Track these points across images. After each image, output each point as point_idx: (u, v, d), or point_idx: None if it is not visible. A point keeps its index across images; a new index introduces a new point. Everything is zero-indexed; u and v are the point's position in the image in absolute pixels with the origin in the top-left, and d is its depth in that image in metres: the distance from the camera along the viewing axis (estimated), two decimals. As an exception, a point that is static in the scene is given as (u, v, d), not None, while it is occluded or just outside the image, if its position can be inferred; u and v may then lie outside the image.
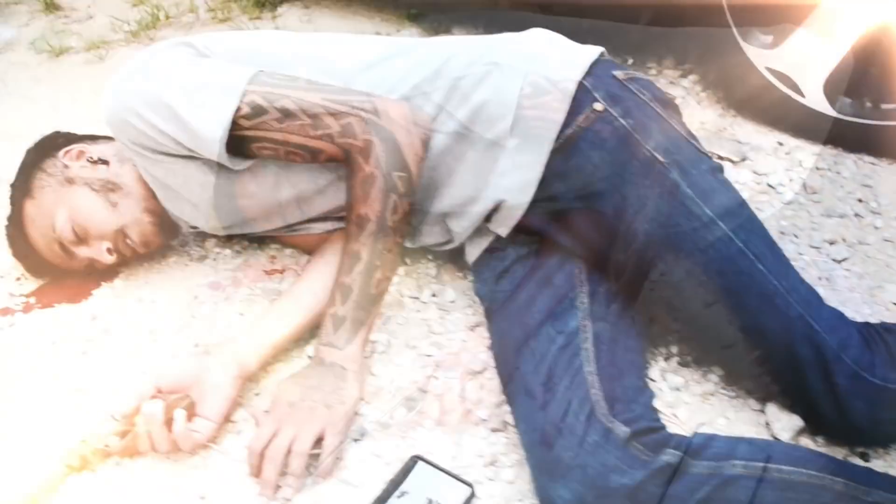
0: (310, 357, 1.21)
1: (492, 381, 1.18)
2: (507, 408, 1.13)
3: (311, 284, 1.21)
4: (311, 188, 1.23)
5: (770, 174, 1.56)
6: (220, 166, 1.18)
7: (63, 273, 1.36)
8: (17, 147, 1.75)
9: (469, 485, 1.01)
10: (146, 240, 1.31)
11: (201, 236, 1.44)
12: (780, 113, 1.64)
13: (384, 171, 1.10)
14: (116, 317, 1.31)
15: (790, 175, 1.56)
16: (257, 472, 1.04)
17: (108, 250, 1.28)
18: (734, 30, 1.58)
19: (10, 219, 1.34)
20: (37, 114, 1.87)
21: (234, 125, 1.10)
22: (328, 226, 1.30)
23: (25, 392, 1.20)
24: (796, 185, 1.54)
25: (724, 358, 1.15)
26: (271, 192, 1.22)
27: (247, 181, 1.20)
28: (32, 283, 1.40)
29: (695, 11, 1.61)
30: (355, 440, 1.09)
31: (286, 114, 1.10)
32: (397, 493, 1.00)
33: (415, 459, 1.04)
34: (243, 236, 1.41)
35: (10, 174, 1.64)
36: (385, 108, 1.11)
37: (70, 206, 1.26)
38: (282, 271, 1.36)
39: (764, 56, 1.59)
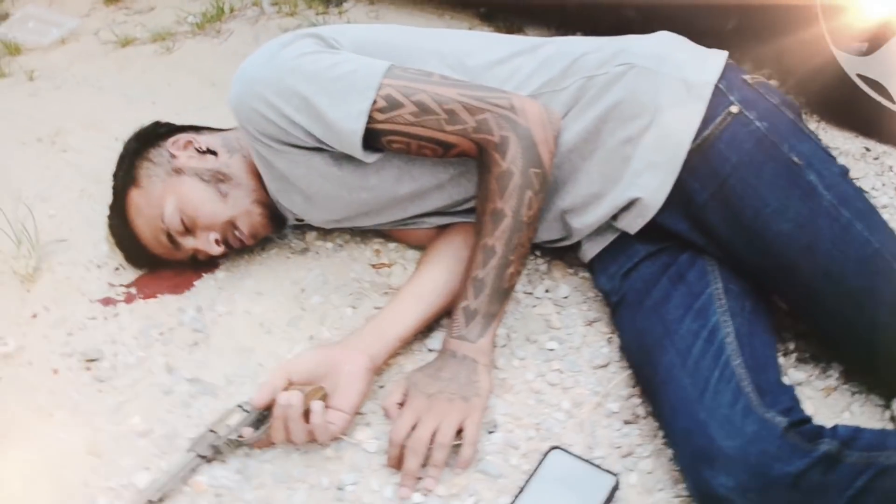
0: (431, 350, 1.20)
1: (616, 374, 1.17)
2: (637, 400, 1.12)
3: (432, 278, 1.20)
4: (431, 183, 1.22)
5: (861, 178, 1.56)
6: (345, 159, 1.17)
7: (164, 264, 1.34)
8: (93, 136, 1.75)
9: (614, 474, 1.00)
10: (255, 231, 1.29)
11: (301, 229, 1.42)
12: (868, 119, 1.64)
13: (521, 167, 1.09)
14: (223, 308, 1.29)
15: (882, 180, 1.56)
16: (397, 463, 1.03)
17: (217, 241, 1.27)
18: (826, 36, 1.58)
19: (112, 208, 1.32)
20: (110, 104, 1.85)
21: (369, 118, 1.09)
22: (441, 220, 1.29)
23: (138, 382, 1.18)
24: (889, 190, 1.54)
25: (852, 354, 1.15)
26: (392, 186, 1.21)
27: (370, 174, 1.19)
28: (131, 274, 1.38)
29: (785, 16, 1.61)
30: (490, 432, 1.08)
31: (422, 108, 1.09)
32: (539, 482, 1.00)
33: (554, 449, 1.03)
34: (346, 230, 1.40)
35: (90, 161, 1.65)
36: (521, 105, 1.10)
37: (179, 196, 1.25)
38: (390, 265, 1.34)
39: (856, 63, 1.59)
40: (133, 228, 1.29)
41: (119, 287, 1.35)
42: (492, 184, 1.10)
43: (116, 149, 1.69)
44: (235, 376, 1.17)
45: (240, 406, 1.07)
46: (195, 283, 1.34)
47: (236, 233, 1.28)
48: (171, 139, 1.30)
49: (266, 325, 1.25)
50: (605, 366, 1.18)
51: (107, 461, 1.07)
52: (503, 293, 1.11)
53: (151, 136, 1.34)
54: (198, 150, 1.28)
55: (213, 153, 1.28)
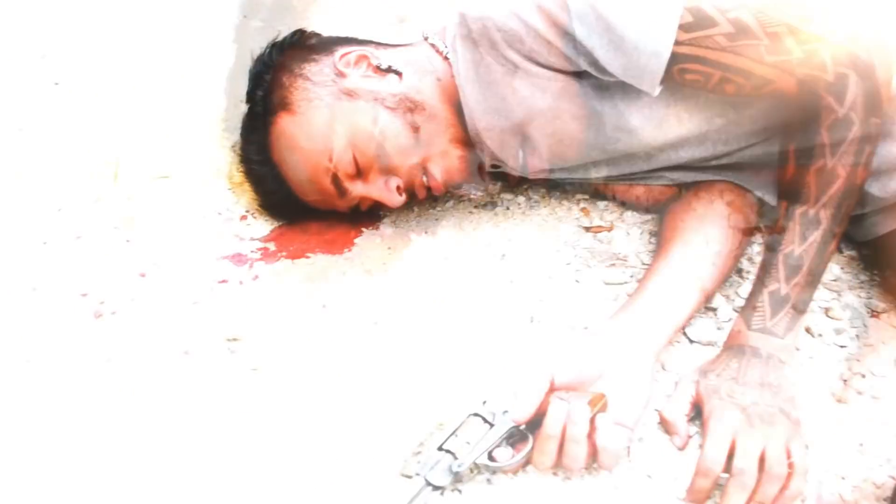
0: (694, 342, 0.90)
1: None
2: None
3: (706, 250, 0.90)
4: (698, 130, 0.92)
5: None
6: (610, 91, 0.86)
7: (310, 214, 1.03)
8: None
9: None
10: (450, 177, 0.98)
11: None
12: None
13: (861, 115, 0.80)
14: (400, 276, 0.98)
15: None
16: (705, 497, 0.75)
17: (398, 188, 0.96)
18: None
19: (248, 139, 1.00)
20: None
21: None
22: (686, 176, 0.99)
23: (313, 371, 0.87)
24: None
25: None
26: (653, 130, 0.91)
27: (633, 113, 0.89)
28: (262, 225, 1.07)
29: None
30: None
31: (741, 29, 0.79)
32: None
33: None
34: (540, 181, 1.09)
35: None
36: (864, 36, 0.81)
37: (354, 128, 0.93)
38: (609, 228, 1.04)
39: None
40: (282, 167, 0.97)
41: (251, 241, 1.04)
42: (821, 135, 0.81)
43: (214, 69, 1.37)
44: (444, 370, 0.87)
45: (478, 415, 0.77)
46: (356, 239, 1.03)
47: (425, 178, 0.97)
48: (340, 52, 0.98)
49: (472, 298, 0.94)
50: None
51: (288, 484, 0.76)
52: (818, 277, 0.83)
53: (300, 48, 1.01)
54: (377, 69, 0.96)
55: (397, 73, 0.96)
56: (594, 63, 0.82)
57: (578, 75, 0.85)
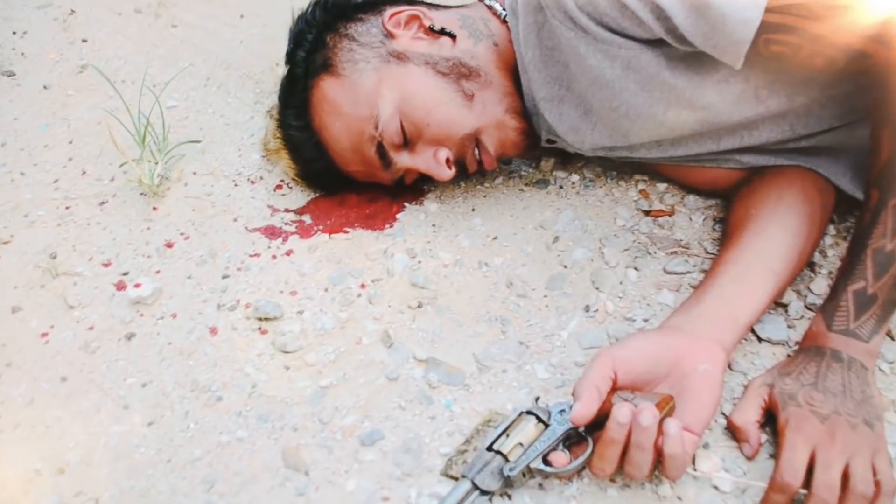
0: (764, 340, 0.83)
1: None
2: None
3: (780, 241, 0.81)
4: (777, 109, 0.83)
5: None
6: (686, 62, 0.78)
7: (350, 185, 0.96)
8: (209, 10, 1.32)
9: None
10: (504, 150, 0.90)
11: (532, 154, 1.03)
12: None
13: None
14: (448, 256, 0.90)
15: None
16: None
17: (448, 161, 0.88)
18: None
19: (287, 102, 0.93)
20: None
21: None
22: (759, 159, 0.91)
23: (343, 357, 0.81)
24: None
25: None
26: (729, 107, 0.82)
27: (709, 88, 0.80)
28: (299, 195, 1.00)
29: None
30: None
31: None
32: None
33: None
34: (595, 159, 1.01)
35: (210, 42, 1.24)
36: None
37: (404, 93, 0.86)
38: (670, 213, 0.96)
39: None
40: (322, 133, 0.90)
41: (285, 213, 0.97)
42: None
43: (243, 28, 1.30)
44: (490, 359, 0.80)
45: (531, 413, 0.70)
46: (398, 215, 0.96)
47: (477, 151, 0.89)
48: (390, 12, 0.90)
49: (516, 285, 0.87)
50: None
51: (319, 479, 0.70)
52: None
53: (346, 6, 0.93)
54: (430, 30, 0.89)
55: (451, 36, 0.89)
56: (672, 30, 0.73)
57: (651, 44, 0.77)
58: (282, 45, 0.96)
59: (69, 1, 1.32)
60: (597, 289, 0.87)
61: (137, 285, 0.86)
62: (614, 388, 0.69)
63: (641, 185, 1.00)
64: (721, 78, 0.80)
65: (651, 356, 0.71)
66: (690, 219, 0.95)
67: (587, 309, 0.84)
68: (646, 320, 0.83)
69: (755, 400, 0.73)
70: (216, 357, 0.81)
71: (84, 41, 1.25)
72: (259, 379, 0.79)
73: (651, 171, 1.00)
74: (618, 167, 1.01)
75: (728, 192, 0.94)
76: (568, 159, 1.02)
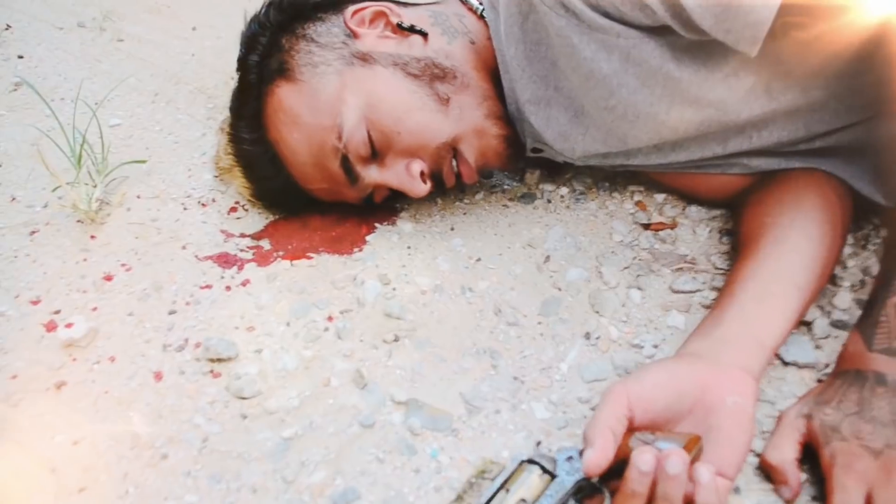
0: (789, 364, 0.73)
1: None
2: None
3: (803, 253, 0.72)
4: (791, 104, 0.74)
5: None
6: (690, 53, 0.69)
7: (312, 205, 0.85)
8: (157, 22, 1.22)
9: None
10: (485, 161, 0.80)
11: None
12: None
13: None
14: (425, 281, 0.79)
15: None
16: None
17: (423, 174, 0.78)
18: None
19: (239, 113, 0.82)
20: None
21: None
22: (770, 163, 0.82)
23: (310, 402, 0.69)
24: None
25: None
26: (738, 104, 0.73)
27: (715, 83, 0.71)
28: (257, 218, 0.89)
29: None
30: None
31: None
32: None
33: None
34: (583, 169, 0.91)
35: (158, 55, 1.14)
36: None
37: (370, 98, 0.76)
38: (672, 225, 0.87)
39: None
40: (280, 147, 0.80)
41: (241, 238, 0.86)
42: None
43: (195, 41, 1.19)
44: (480, 398, 0.69)
45: (533, 462, 0.59)
46: (368, 237, 0.85)
47: (454, 163, 0.79)
48: (351, 9, 0.80)
49: (505, 312, 0.77)
50: None
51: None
52: None
53: (304, 5, 0.84)
54: (398, 28, 0.79)
55: (422, 34, 0.79)
56: (679, 14, 0.64)
57: (654, 32, 0.68)
58: (236, 58, 0.86)
59: (5, 16, 1.21)
60: (597, 313, 0.76)
61: (69, 325, 0.75)
62: (631, 429, 0.59)
63: (637, 197, 0.90)
64: (730, 71, 0.71)
65: (672, 390, 0.60)
66: (694, 231, 0.86)
67: (588, 336, 0.74)
68: (655, 346, 0.73)
69: (791, 434, 0.63)
70: (161, 407, 0.69)
71: (20, 57, 1.14)
72: (211, 431, 0.67)
73: (647, 180, 0.91)
74: (610, 177, 0.92)
75: (734, 201, 0.85)
76: (555, 170, 0.92)
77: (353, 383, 0.70)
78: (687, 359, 0.64)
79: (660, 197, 0.90)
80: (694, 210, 0.88)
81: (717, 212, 0.88)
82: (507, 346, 0.73)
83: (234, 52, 0.87)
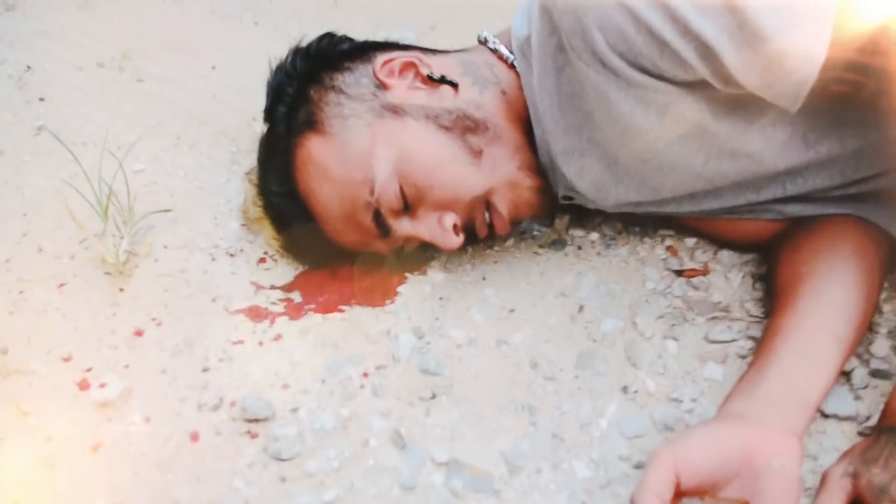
0: (828, 416, 0.72)
1: None
2: None
3: (843, 303, 0.71)
4: (827, 155, 0.74)
5: None
6: (729, 108, 0.69)
7: (343, 256, 0.85)
8: (178, 61, 1.22)
9: None
10: (518, 213, 0.80)
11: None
12: None
13: None
14: (460, 334, 0.79)
15: None
16: None
17: (455, 227, 0.78)
18: None
19: (267, 165, 0.82)
20: (193, 20, 1.31)
21: None
22: (804, 209, 0.81)
23: (349, 463, 0.69)
24: None
25: None
26: (775, 154, 0.73)
27: (752, 135, 0.71)
28: (286, 269, 0.88)
29: None
30: None
31: None
32: None
33: None
34: (619, 215, 0.91)
35: (180, 96, 1.13)
36: None
37: (402, 152, 0.75)
38: (705, 272, 0.86)
39: None
40: (309, 200, 0.79)
41: (271, 290, 0.85)
42: None
43: (215, 80, 1.19)
44: (521, 457, 0.68)
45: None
46: (399, 288, 0.85)
47: (487, 215, 0.79)
48: (381, 59, 0.80)
49: (542, 365, 0.76)
50: None
51: None
52: None
53: (331, 54, 0.83)
54: (428, 79, 0.79)
55: (453, 84, 0.79)
56: (719, 71, 0.64)
57: (692, 86, 0.67)
58: (258, 98, 0.86)
59: (26, 56, 1.21)
60: (633, 365, 0.76)
61: (103, 385, 0.74)
62: (678, 494, 0.58)
63: (668, 242, 0.90)
64: (767, 123, 0.71)
65: (718, 454, 0.60)
66: (727, 277, 0.85)
67: (625, 390, 0.74)
68: (694, 400, 0.73)
69: (837, 494, 0.62)
70: (199, 470, 0.68)
71: (41, 100, 1.14)
72: (251, 495, 0.66)
73: (678, 224, 0.90)
74: (640, 222, 0.91)
75: (766, 246, 0.84)
76: (585, 215, 0.92)
77: (392, 443, 0.69)
78: (731, 421, 0.64)
79: (690, 241, 0.90)
80: (726, 255, 0.88)
81: (748, 256, 0.88)
82: (545, 402, 0.73)
83: (255, 91, 0.87)
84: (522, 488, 0.66)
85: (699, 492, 0.59)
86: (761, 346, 0.71)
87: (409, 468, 0.67)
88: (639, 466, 0.68)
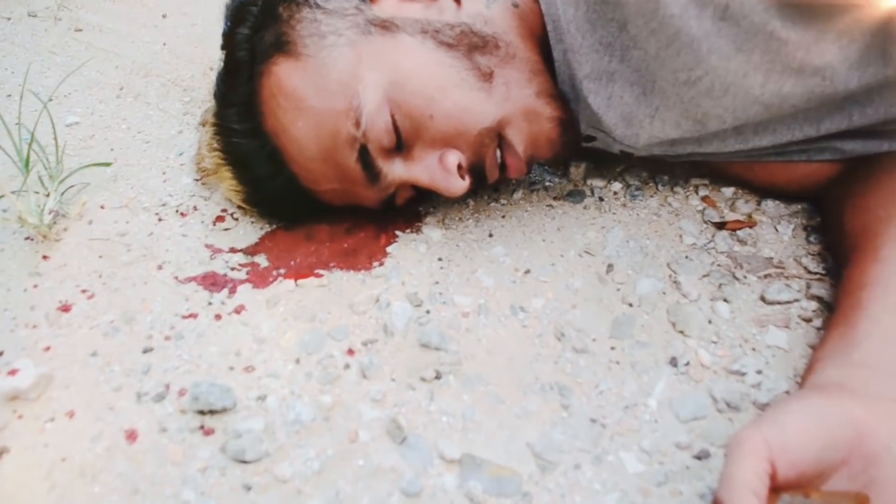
0: None
1: None
2: None
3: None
4: None
5: None
6: (794, 11, 0.55)
7: (320, 210, 0.70)
8: (121, 10, 1.06)
9: None
10: (534, 151, 0.66)
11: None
12: None
13: None
14: (465, 301, 0.64)
15: None
16: None
17: (460, 168, 0.63)
18: None
19: (227, 100, 0.66)
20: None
21: None
22: (866, 146, 0.68)
23: (332, 464, 0.53)
24: None
25: None
26: (849, 71, 0.59)
27: (826, 45, 0.57)
28: (250, 228, 0.73)
29: None
30: None
31: None
32: None
33: None
34: (642, 162, 0.77)
35: (123, 46, 0.98)
36: None
37: (394, 74, 0.61)
38: (752, 224, 0.72)
39: None
40: (280, 139, 0.64)
41: (231, 253, 0.70)
42: None
43: (167, 29, 1.03)
44: (553, 449, 0.54)
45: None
46: (389, 248, 0.70)
47: (499, 152, 0.64)
48: None
49: (570, 336, 0.61)
50: None
51: None
52: None
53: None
54: None
55: None
56: None
57: None
58: (214, 47, 0.71)
59: (-59, 6, 1.05)
60: (681, 332, 0.62)
61: (13, 372, 0.58)
62: (774, 489, 0.44)
63: (703, 191, 0.76)
64: (843, 31, 0.57)
65: (821, 437, 0.45)
66: (776, 229, 0.72)
67: (674, 363, 0.59)
68: (759, 372, 0.59)
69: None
70: (136, 478, 0.53)
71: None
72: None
73: (711, 172, 0.77)
74: (667, 170, 0.78)
75: (820, 193, 0.71)
76: (602, 162, 0.78)
77: (389, 437, 0.54)
78: (831, 392, 0.50)
79: (728, 191, 0.76)
80: (771, 205, 0.74)
81: (797, 206, 0.74)
82: (578, 380, 0.58)
83: (211, 41, 0.72)
84: (559, 489, 0.51)
85: (801, 485, 0.45)
86: (842, 303, 0.58)
87: (412, 468, 0.52)
88: (701, 457, 0.53)
